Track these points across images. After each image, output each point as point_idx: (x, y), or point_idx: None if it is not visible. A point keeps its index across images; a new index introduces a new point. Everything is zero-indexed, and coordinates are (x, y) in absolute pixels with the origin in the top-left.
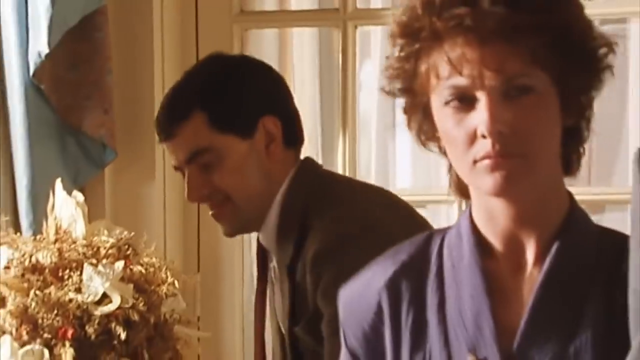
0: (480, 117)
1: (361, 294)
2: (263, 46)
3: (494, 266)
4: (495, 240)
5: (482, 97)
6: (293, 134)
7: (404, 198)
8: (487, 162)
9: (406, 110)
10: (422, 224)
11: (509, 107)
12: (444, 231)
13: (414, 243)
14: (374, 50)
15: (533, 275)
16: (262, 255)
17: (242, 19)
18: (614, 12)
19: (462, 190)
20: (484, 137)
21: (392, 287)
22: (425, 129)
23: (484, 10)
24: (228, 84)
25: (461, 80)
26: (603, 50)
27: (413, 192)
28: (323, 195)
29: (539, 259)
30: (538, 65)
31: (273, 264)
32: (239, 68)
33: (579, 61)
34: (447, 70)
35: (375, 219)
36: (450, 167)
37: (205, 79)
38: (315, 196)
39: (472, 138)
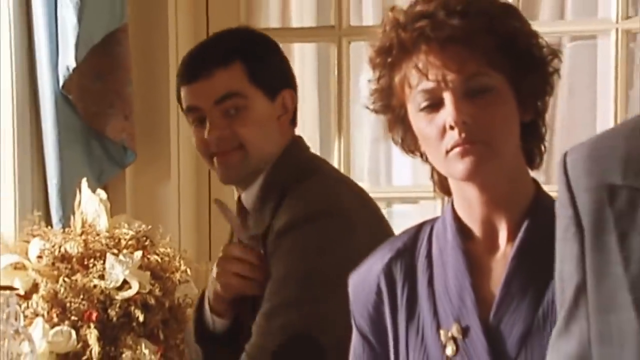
0: (447, 111)
1: (364, 279)
2: None
3: (474, 248)
4: (474, 226)
5: (447, 96)
6: (295, 115)
7: (399, 195)
8: (457, 150)
9: (389, 127)
10: (382, 220)
11: (471, 103)
12: (432, 221)
13: (408, 232)
14: (366, 62)
15: (506, 253)
16: (243, 215)
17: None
18: (584, 30)
19: (444, 188)
20: (451, 128)
21: (389, 270)
22: (408, 142)
23: (440, 21)
24: (265, 48)
25: (429, 84)
26: (549, 57)
27: (406, 190)
28: (305, 174)
29: (511, 238)
30: (493, 67)
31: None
32: (273, 41)
33: (528, 64)
34: (416, 78)
35: (340, 206)
36: (432, 171)
37: (247, 38)
38: (298, 173)
39: (443, 132)
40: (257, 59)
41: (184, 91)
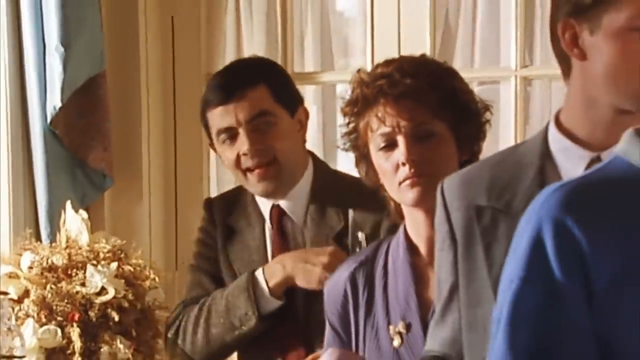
0: (400, 151)
1: (335, 284)
2: None
3: (419, 262)
4: (420, 244)
5: (400, 139)
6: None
7: None
8: (407, 182)
9: (356, 163)
10: None
11: (419, 145)
12: (390, 239)
13: (370, 247)
14: (307, 103)
15: None
16: (281, 220)
17: (209, 79)
18: (489, 76)
19: (399, 213)
20: (403, 164)
21: (353, 278)
22: (370, 175)
23: (395, 80)
24: (279, 72)
25: (386, 129)
26: (482, 110)
27: None
28: (345, 178)
29: None
30: (437, 117)
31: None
32: (281, 66)
33: (465, 116)
34: (376, 124)
35: None
36: (389, 200)
37: (265, 64)
38: (339, 179)
39: (396, 167)
40: (277, 81)
41: (216, 112)
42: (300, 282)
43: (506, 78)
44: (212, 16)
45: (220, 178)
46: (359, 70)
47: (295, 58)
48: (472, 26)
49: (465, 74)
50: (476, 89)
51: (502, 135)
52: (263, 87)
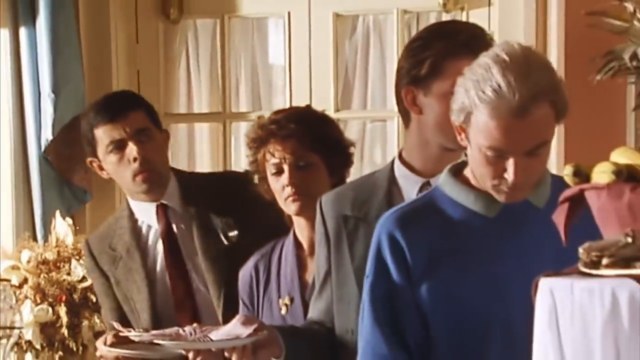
0: (285, 177)
1: (245, 269)
2: (178, 137)
3: (302, 254)
4: (304, 240)
5: (285, 167)
6: None
7: None
8: (290, 198)
9: (259, 183)
10: None
11: (299, 172)
12: (284, 237)
13: (271, 243)
14: (242, 134)
15: None
16: (164, 213)
17: (166, 118)
18: (379, 115)
19: (289, 220)
20: (287, 186)
21: (256, 265)
22: (269, 193)
23: (282, 125)
24: (150, 103)
25: (276, 160)
26: (349, 145)
27: None
28: (209, 175)
29: None
30: (313, 152)
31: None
32: None
33: (335, 150)
34: (269, 156)
35: None
36: (283, 211)
37: (140, 96)
38: (205, 177)
39: (283, 188)
40: (150, 108)
41: (107, 128)
42: None
43: (391, 117)
44: (168, 69)
45: None
46: (259, 117)
47: (232, 100)
48: (365, 77)
49: (360, 114)
50: (369, 125)
51: (389, 160)
52: (142, 110)
